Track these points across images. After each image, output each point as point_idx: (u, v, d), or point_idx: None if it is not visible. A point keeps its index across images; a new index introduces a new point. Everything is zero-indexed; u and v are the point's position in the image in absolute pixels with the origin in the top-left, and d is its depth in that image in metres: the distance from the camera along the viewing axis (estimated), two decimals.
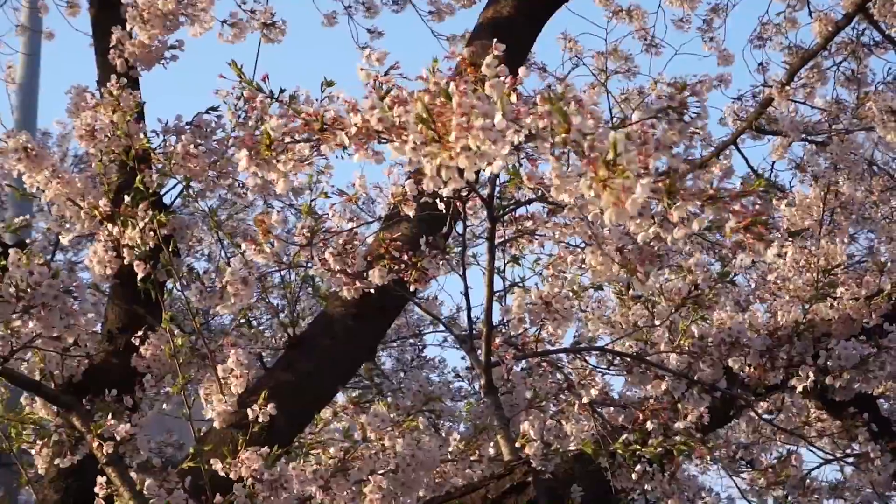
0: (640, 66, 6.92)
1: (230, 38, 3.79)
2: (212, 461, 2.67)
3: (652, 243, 2.64)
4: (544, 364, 3.32)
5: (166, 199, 3.43)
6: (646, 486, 3.07)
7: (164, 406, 3.36)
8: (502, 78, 1.48)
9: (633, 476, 3.05)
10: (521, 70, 1.56)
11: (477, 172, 2.63)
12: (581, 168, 1.40)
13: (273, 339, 5.90)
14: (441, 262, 2.75)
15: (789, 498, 3.73)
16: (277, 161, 1.60)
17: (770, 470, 3.68)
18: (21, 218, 4.05)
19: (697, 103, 1.64)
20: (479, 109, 1.39)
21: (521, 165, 2.23)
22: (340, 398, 5.30)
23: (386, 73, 1.66)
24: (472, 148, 1.37)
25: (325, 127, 1.56)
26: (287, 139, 1.63)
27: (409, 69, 1.69)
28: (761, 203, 1.44)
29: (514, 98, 1.45)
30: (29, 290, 2.35)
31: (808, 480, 3.86)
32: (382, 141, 1.54)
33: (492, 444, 3.22)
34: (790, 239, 3.62)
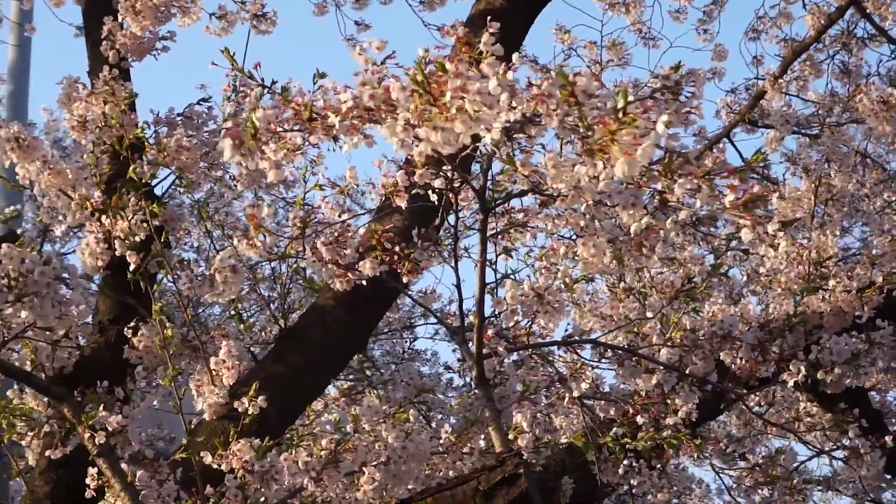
0: (634, 55, 6.90)
1: (217, 31, 3.79)
2: (202, 453, 2.67)
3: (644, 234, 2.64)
4: (535, 357, 3.32)
5: (157, 191, 3.43)
6: (632, 481, 3.07)
7: (154, 403, 3.35)
8: (496, 56, 1.48)
9: (620, 471, 3.06)
10: (515, 56, 1.55)
11: (471, 158, 2.62)
12: (577, 154, 1.40)
13: (263, 332, 5.89)
14: (433, 254, 2.75)
15: (776, 494, 3.74)
16: (263, 151, 1.59)
17: (758, 468, 3.68)
18: (11, 208, 4.04)
19: (693, 84, 1.64)
20: (474, 77, 1.39)
21: (514, 154, 2.22)
22: (332, 390, 5.30)
23: (382, 63, 1.66)
24: (469, 111, 1.36)
25: (313, 116, 1.56)
26: (278, 129, 1.62)
27: (398, 61, 1.68)
28: (759, 181, 1.44)
29: (510, 75, 1.45)
30: (21, 278, 2.34)
31: (795, 476, 3.87)
32: (373, 123, 1.53)
33: (483, 436, 3.22)
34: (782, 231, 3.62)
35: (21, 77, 8.94)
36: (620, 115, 1.33)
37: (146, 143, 3.31)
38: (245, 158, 1.59)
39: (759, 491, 3.70)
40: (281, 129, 1.60)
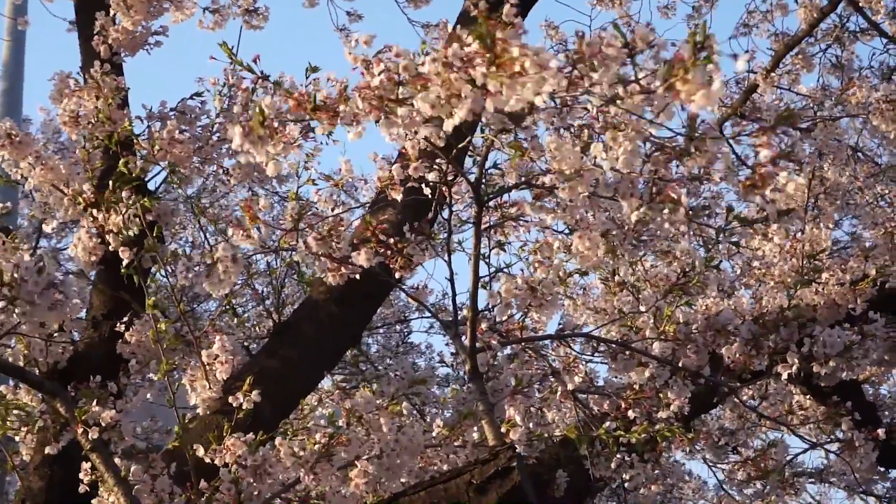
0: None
1: (210, 25, 3.78)
2: (196, 447, 2.66)
3: (637, 227, 2.64)
4: (528, 350, 3.32)
5: (150, 186, 3.42)
6: (624, 475, 3.07)
7: (148, 396, 3.35)
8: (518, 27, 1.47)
9: (613, 464, 3.06)
10: None
11: (465, 151, 2.63)
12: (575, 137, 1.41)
13: (256, 328, 5.89)
14: (426, 248, 2.75)
15: (769, 487, 3.75)
16: (271, 139, 1.58)
17: (750, 461, 3.69)
18: (2, 205, 4.03)
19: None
20: (517, 42, 1.38)
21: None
22: (326, 384, 5.30)
23: (376, 56, 1.65)
24: (531, 70, 1.35)
25: (317, 106, 1.55)
26: (277, 121, 1.62)
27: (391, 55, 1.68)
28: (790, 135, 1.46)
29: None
30: (14, 283, 2.34)
31: (788, 470, 3.88)
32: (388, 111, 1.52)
33: (476, 429, 3.23)
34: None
35: (15, 73, 8.92)
36: (698, 50, 1.34)
37: (136, 139, 3.30)
38: (254, 146, 1.58)
39: (752, 485, 3.70)
40: (281, 121, 1.59)
